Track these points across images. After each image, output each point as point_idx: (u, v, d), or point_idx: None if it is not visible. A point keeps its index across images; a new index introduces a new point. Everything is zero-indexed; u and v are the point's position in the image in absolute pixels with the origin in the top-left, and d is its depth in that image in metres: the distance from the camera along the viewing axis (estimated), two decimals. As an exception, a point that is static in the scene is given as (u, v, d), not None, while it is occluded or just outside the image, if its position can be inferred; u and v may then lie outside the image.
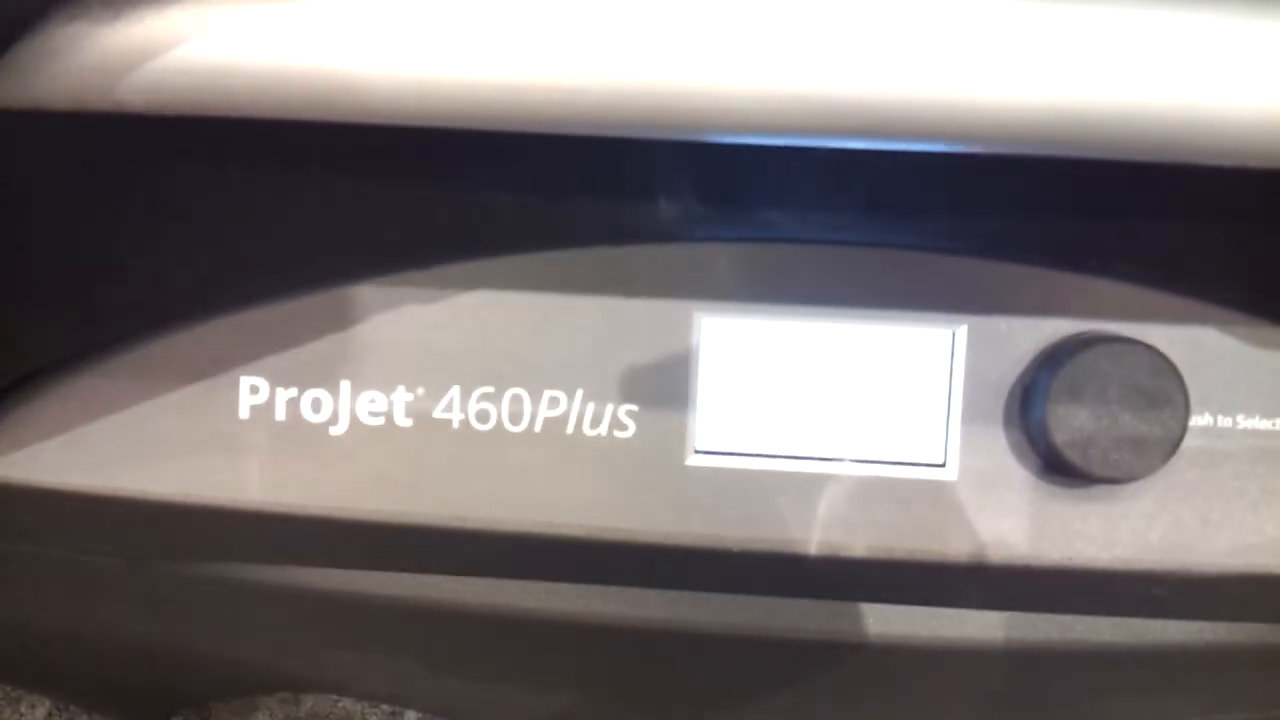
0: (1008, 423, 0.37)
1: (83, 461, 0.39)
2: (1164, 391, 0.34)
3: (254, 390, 0.38)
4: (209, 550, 0.41)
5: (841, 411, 0.37)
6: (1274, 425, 0.36)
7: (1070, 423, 0.35)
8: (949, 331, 0.37)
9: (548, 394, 0.38)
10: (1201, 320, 0.36)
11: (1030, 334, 0.36)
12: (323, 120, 0.29)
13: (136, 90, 0.28)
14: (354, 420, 0.38)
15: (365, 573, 0.42)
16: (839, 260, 0.37)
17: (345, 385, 0.38)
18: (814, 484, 0.37)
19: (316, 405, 0.38)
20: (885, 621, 0.41)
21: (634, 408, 0.38)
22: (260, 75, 0.28)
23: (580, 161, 0.36)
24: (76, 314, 0.38)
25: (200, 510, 0.39)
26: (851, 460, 0.37)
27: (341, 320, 0.38)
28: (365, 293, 0.38)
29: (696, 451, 0.38)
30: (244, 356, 0.38)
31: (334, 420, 0.38)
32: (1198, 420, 0.36)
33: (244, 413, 0.38)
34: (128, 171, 0.36)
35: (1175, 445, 0.35)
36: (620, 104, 0.28)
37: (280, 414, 0.38)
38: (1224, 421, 0.36)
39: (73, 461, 0.39)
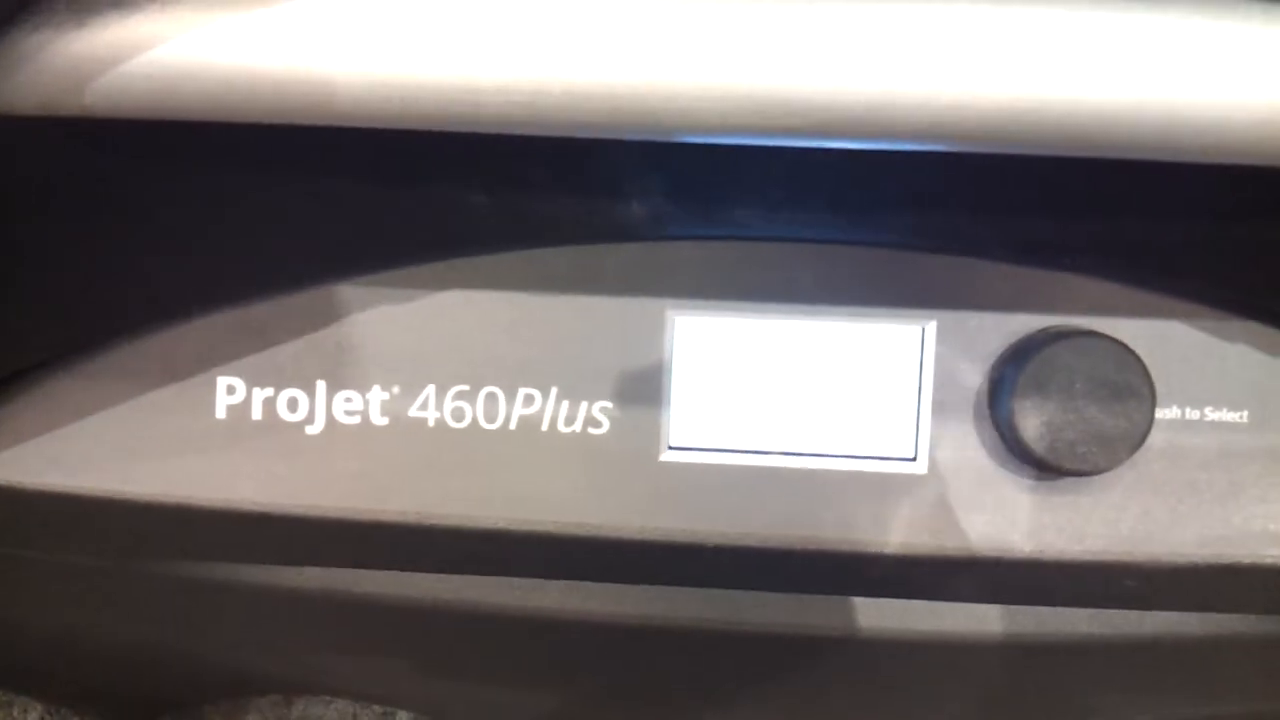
0: (977, 417, 0.37)
1: (62, 462, 0.39)
2: (1130, 385, 0.35)
3: (230, 390, 0.38)
4: (187, 549, 0.42)
5: (814, 407, 0.38)
6: (1240, 418, 0.37)
7: (1038, 416, 0.35)
8: (919, 327, 0.37)
9: (522, 392, 0.38)
10: (1168, 314, 0.36)
11: (998, 329, 0.36)
12: (286, 124, 0.29)
13: (102, 95, 0.28)
14: (330, 419, 0.38)
15: (352, 573, 0.42)
16: (810, 258, 0.37)
17: (321, 385, 0.38)
18: (787, 479, 0.38)
19: (293, 405, 0.38)
20: (861, 616, 0.41)
21: (608, 405, 0.38)
22: (224, 80, 0.28)
23: (553, 162, 0.36)
24: (54, 317, 0.38)
25: (178, 510, 0.39)
26: (824, 455, 0.38)
27: (317, 320, 0.38)
28: (341, 293, 0.38)
29: (670, 448, 0.38)
30: (221, 357, 0.38)
31: (310, 419, 0.38)
32: (1165, 413, 0.36)
33: (221, 412, 0.39)
34: (104, 175, 0.36)
35: (1142, 438, 0.35)
36: (588, 105, 0.29)
37: (257, 413, 0.39)
38: (1191, 414, 0.36)
39: (52, 463, 0.39)
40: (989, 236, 0.36)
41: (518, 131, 0.30)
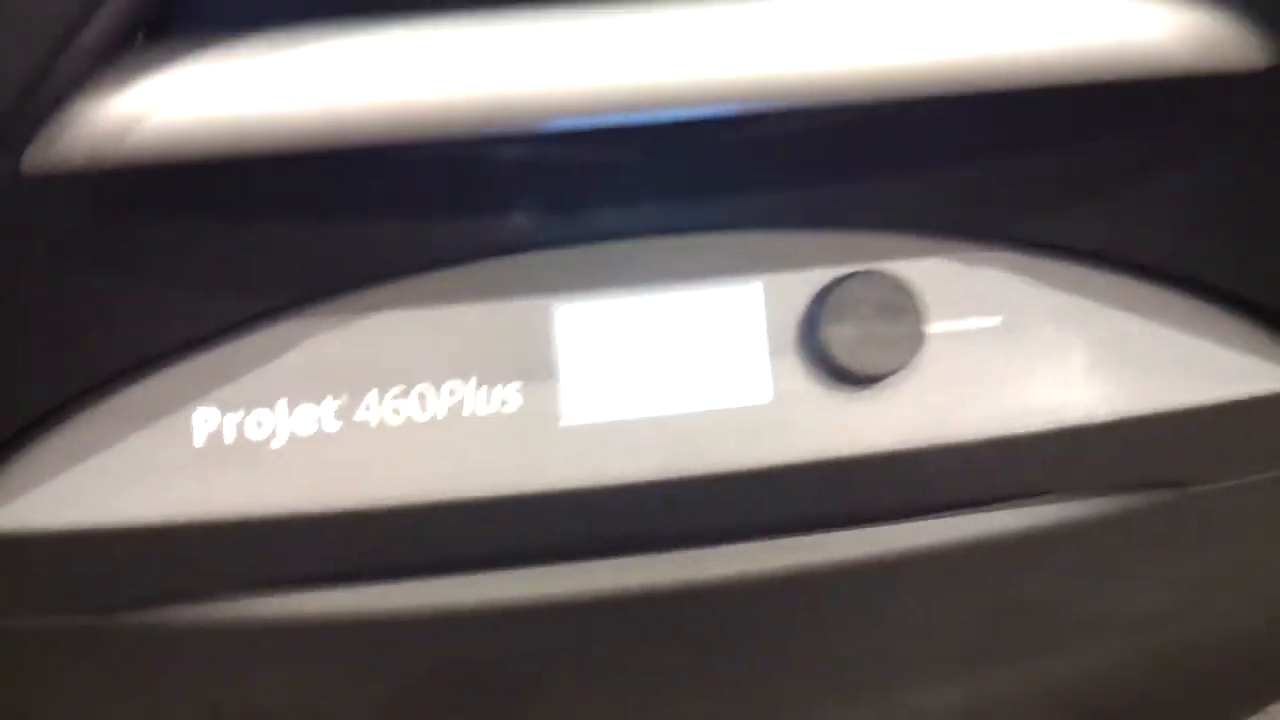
0: (800, 349, 0.47)
1: (70, 503, 0.45)
2: (905, 305, 0.46)
3: (206, 420, 0.46)
4: (180, 574, 0.49)
5: (680, 366, 0.47)
6: (996, 322, 0.47)
7: (841, 337, 0.45)
8: (748, 289, 0.47)
9: (447, 385, 0.47)
10: (933, 252, 0.47)
11: (808, 281, 0.47)
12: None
13: (145, 144, 0.35)
14: (291, 432, 0.46)
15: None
16: (661, 247, 0.47)
17: (282, 403, 0.46)
18: (664, 426, 0.47)
19: (259, 425, 0.46)
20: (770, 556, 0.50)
21: (517, 385, 0.47)
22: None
23: (444, 197, 0.46)
24: (53, 370, 0.46)
25: (169, 530, 0.46)
26: (693, 403, 0.47)
27: (274, 351, 0.46)
28: (290, 327, 0.46)
29: (568, 415, 0.47)
30: (195, 394, 0.46)
31: (274, 435, 0.46)
32: (937, 326, 0.47)
33: (200, 441, 0.46)
34: (77, 235, 0.43)
35: (919, 343, 0.46)
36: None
37: (230, 437, 0.46)
38: (958, 325, 0.47)
39: (62, 503, 0.46)
40: (792, 212, 0.47)
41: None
